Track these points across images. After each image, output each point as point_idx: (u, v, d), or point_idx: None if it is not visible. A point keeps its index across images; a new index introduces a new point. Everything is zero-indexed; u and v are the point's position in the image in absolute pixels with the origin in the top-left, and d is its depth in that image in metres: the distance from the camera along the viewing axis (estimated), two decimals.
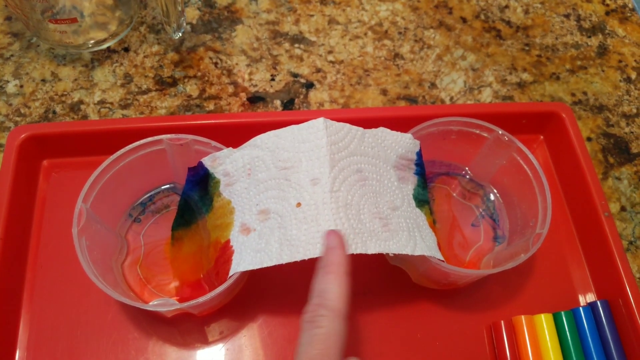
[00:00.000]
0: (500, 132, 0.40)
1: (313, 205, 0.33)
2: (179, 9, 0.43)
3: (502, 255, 0.40)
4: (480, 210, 0.43)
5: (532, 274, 0.42)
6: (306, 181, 0.33)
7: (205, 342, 0.38)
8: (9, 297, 0.37)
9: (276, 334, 0.38)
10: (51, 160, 0.42)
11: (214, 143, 0.37)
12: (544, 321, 0.39)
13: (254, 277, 0.40)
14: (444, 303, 0.40)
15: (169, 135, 0.36)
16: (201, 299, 0.32)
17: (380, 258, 0.41)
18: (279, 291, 0.40)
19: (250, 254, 0.34)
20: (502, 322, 0.39)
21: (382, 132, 0.37)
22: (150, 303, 0.32)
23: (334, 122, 0.35)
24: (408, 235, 0.35)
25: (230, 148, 0.36)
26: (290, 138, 0.35)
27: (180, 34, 0.45)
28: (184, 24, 0.45)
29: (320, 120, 0.34)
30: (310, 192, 0.33)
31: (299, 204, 0.33)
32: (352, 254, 0.32)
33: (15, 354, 0.36)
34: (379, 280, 0.41)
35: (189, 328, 0.38)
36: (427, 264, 0.36)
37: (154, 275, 0.39)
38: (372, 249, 0.33)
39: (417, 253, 0.34)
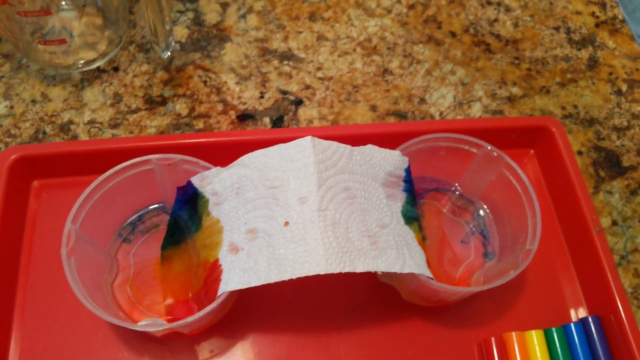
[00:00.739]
0: (489, 148, 0.40)
1: (301, 225, 0.33)
2: (167, 28, 0.43)
3: (492, 271, 0.40)
4: (471, 226, 0.43)
5: (522, 290, 0.42)
6: (294, 200, 0.34)
7: (197, 359, 0.38)
8: None
9: (266, 353, 0.38)
10: (41, 181, 0.42)
11: (202, 162, 0.37)
12: (535, 337, 0.39)
13: (243, 296, 0.40)
14: (434, 320, 0.40)
15: (157, 155, 0.36)
16: (189, 319, 0.32)
17: (369, 275, 0.41)
18: (268, 309, 0.40)
19: (238, 273, 0.34)
20: (493, 338, 0.39)
21: (370, 149, 0.37)
22: (139, 323, 0.32)
23: (321, 140, 0.35)
24: (397, 253, 0.35)
25: (219, 167, 0.36)
26: (277, 157, 0.35)
27: (169, 53, 0.45)
28: (173, 43, 0.45)
29: (308, 138, 0.35)
30: (298, 211, 0.33)
31: (287, 223, 0.33)
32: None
33: None
34: (368, 297, 0.41)
35: (179, 347, 0.38)
36: (417, 281, 0.36)
37: (144, 295, 0.39)
38: (360, 268, 0.33)
39: (405, 271, 0.34)
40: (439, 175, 0.44)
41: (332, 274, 0.32)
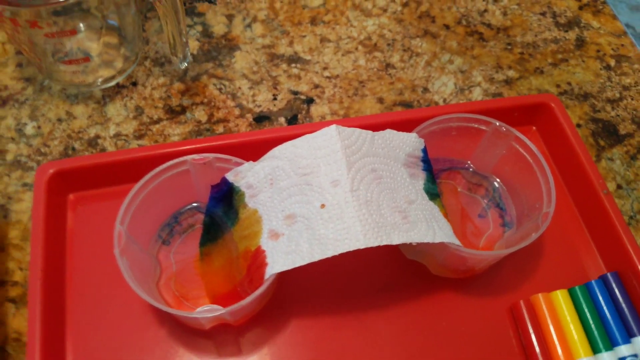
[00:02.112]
0: (497, 124, 0.42)
1: (336, 205, 0.35)
2: (184, 40, 0.45)
3: (513, 238, 0.42)
4: (486, 200, 0.45)
5: (542, 255, 0.44)
6: (327, 184, 0.36)
7: (241, 351, 0.39)
8: (53, 327, 0.38)
9: (308, 336, 0.40)
10: (77, 194, 0.44)
11: (234, 159, 0.39)
12: (561, 297, 0.41)
13: (280, 286, 0.42)
14: (464, 291, 0.43)
15: (192, 156, 0.38)
16: (244, 302, 0.34)
17: (397, 254, 0.43)
18: (305, 296, 0.42)
19: (282, 256, 0.36)
20: (521, 301, 0.41)
21: (389, 133, 0.40)
22: (197, 310, 0.34)
23: (345, 127, 0.37)
24: (427, 226, 0.37)
25: (251, 162, 0.38)
26: (306, 146, 0.37)
27: (186, 64, 0.48)
28: (189, 54, 0.47)
29: (333, 127, 0.37)
30: (332, 194, 0.35)
31: (323, 205, 0.35)
32: (370, 249, 0.34)
33: None
34: (397, 275, 0.43)
35: (226, 339, 0.40)
36: (446, 251, 0.39)
37: (189, 292, 0.40)
38: (396, 240, 0.35)
39: (437, 240, 0.36)
40: (452, 156, 0.46)
41: (364, 254, 0.35)
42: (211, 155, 0.39)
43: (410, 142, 0.40)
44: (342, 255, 0.42)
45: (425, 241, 0.36)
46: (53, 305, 0.39)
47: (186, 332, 0.40)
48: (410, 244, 0.36)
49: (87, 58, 0.45)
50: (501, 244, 0.43)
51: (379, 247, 0.43)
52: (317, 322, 0.41)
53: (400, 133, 0.40)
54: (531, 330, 0.41)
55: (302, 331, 0.41)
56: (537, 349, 0.40)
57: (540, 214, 0.40)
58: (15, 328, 0.39)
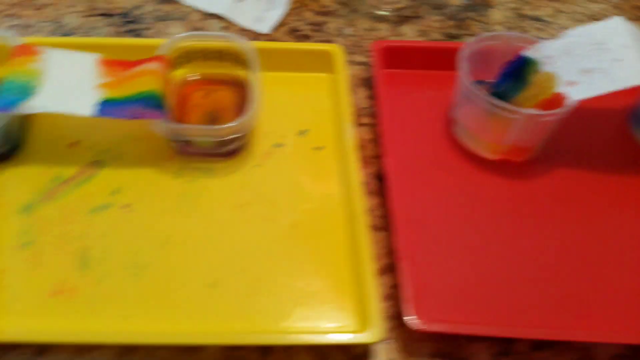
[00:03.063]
0: None
1: (629, 61, 0.47)
2: None
3: None
4: None
5: None
6: (619, 47, 0.48)
7: (515, 184, 0.51)
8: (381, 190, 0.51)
9: (565, 189, 0.51)
10: (391, 70, 0.57)
11: (529, 37, 0.52)
12: None
13: (551, 141, 0.52)
14: None
15: (501, 32, 0.52)
16: (559, 110, 0.45)
17: None
18: (564, 165, 0.52)
19: (580, 92, 0.47)
20: None
21: None
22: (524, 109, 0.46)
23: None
24: None
25: (550, 39, 0.51)
26: (597, 28, 0.50)
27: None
28: None
29: (618, 18, 0.50)
30: (625, 53, 0.47)
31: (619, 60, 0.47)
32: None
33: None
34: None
35: (506, 172, 0.51)
36: None
37: None
38: None
39: None
40: None
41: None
42: (515, 34, 0.52)
43: None
44: (600, 143, 0.53)
45: None
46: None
47: (475, 163, 0.51)
48: None
49: None
50: None
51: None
52: (570, 182, 0.51)
53: None
54: None
55: (561, 183, 0.51)
56: None
57: None
58: None
